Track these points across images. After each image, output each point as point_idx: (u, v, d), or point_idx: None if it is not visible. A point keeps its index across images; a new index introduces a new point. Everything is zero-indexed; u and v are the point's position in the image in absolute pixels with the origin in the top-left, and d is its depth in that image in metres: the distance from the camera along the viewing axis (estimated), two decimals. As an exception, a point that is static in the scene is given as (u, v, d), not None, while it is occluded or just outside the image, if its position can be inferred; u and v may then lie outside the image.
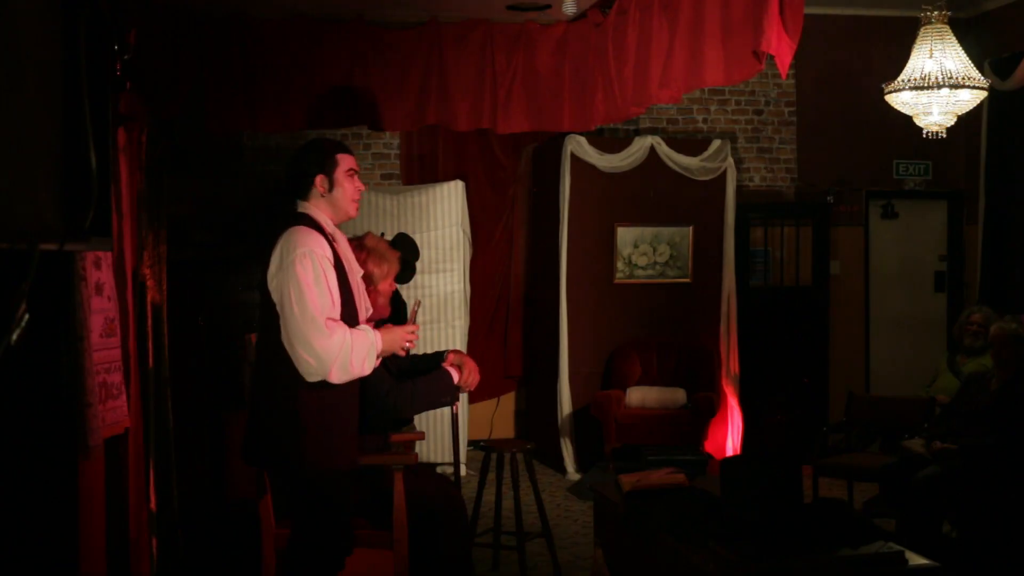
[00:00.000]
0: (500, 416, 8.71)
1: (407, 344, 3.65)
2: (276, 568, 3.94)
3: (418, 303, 4.08)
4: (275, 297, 3.41)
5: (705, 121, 8.78)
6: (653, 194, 7.95)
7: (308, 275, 3.35)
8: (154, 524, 4.40)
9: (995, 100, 7.81)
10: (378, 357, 3.55)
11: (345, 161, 3.59)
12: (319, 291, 3.36)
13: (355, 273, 3.61)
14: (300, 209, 3.55)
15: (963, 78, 5.49)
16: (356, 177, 3.62)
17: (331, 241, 3.51)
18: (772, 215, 8.59)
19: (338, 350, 3.35)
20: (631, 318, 7.98)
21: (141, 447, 4.30)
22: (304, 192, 3.56)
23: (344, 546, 3.61)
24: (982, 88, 5.58)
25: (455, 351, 4.12)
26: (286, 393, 3.43)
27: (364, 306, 3.66)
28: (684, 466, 5.70)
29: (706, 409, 7.34)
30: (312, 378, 3.38)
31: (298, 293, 3.34)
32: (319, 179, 3.54)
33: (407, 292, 6.85)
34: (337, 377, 3.39)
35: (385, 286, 4.07)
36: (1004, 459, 5.01)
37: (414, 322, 3.86)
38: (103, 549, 3.59)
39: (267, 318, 3.48)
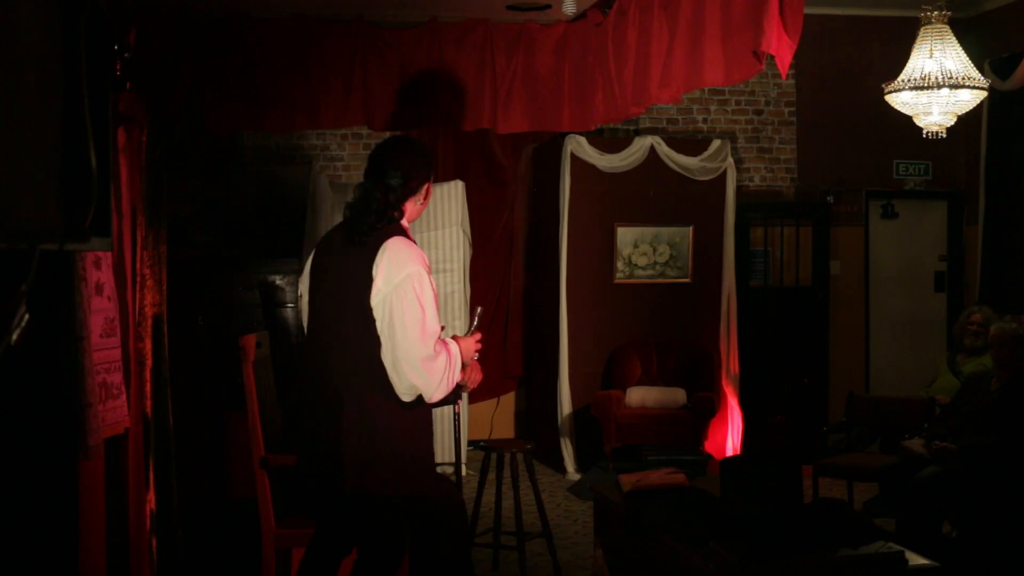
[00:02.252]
0: (500, 416, 8.71)
1: (475, 354, 3.58)
2: (276, 568, 3.94)
3: (480, 309, 3.90)
4: (378, 313, 3.26)
5: (705, 121, 8.78)
6: (653, 194, 7.95)
7: (424, 296, 3.26)
8: (154, 524, 4.40)
9: (995, 100, 7.81)
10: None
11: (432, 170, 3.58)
12: (431, 312, 3.28)
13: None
14: (396, 215, 3.40)
15: (963, 78, 5.49)
16: None
17: None
18: (772, 215, 8.59)
19: (442, 372, 3.29)
20: (631, 318, 7.98)
21: (141, 447, 4.30)
22: (405, 198, 3.42)
23: (399, 563, 3.54)
24: (982, 88, 5.58)
25: None
26: (376, 418, 3.28)
27: None
28: (684, 466, 5.71)
29: (706, 409, 7.34)
30: (409, 398, 3.30)
31: (413, 315, 3.23)
32: (426, 187, 3.49)
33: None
34: (437, 396, 3.34)
35: None
36: (1004, 459, 5.01)
37: (477, 329, 3.70)
38: (103, 549, 3.59)
39: (355, 331, 3.29)
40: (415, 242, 3.43)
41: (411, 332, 3.23)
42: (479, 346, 3.60)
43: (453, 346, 3.40)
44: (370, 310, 3.26)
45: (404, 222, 3.43)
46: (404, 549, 3.53)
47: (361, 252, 3.30)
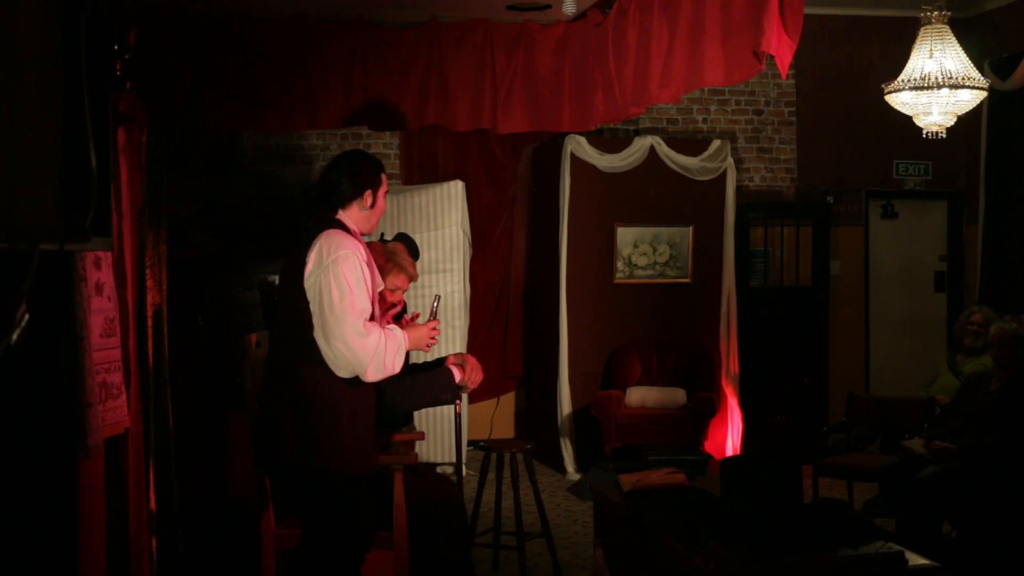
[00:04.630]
0: (500, 416, 8.70)
1: (431, 341, 3.73)
2: (276, 568, 3.94)
3: (437, 298, 4.11)
4: (311, 295, 3.44)
5: (705, 121, 8.78)
6: (653, 194, 7.95)
7: (351, 276, 3.42)
8: (154, 524, 4.40)
9: (995, 100, 7.80)
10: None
11: (385, 183, 3.73)
12: (359, 293, 3.43)
13: (376, 279, 3.67)
14: (337, 216, 3.62)
15: (963, 78, 5.48)
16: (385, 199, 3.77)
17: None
18: (772, 215, 8.59)
19: (374, 350, 3.41)
20: (631, 318, 7.98)
21: (141, 447, 4.29)
22: (346, 201, 3.63)
23: (363, 550, 3.61)
24: (982, 88, 5.58)
25: (455, 354, 4.14)
26: (314, 394, 3.45)
27: (379, 311, 3.72)
28: (684, 466, 5.70)
29: (706, 409, 7.34)
30: (344, 374, 3.44)
31: (340, 292, 3.40)
32: (367, 193, 3.64)
33: (411, 291, 6.85)
34: (372, 376, 3.46)
35: (399, 296, 4.18)
36: (1004, 459, 5.01)
37: (434, 317, 3.91)
38: (103, 549, 3.59)
39: (293, 317, 3.49)
40: (362, 244, 3.59)
41: (338, 309, 3.40)
42: (435, 333, 3.76)
43: (397, 332, 3.54)
44: (304, 292, 3.45)
45: (351, 225, 3.61)
46: (365, 544, 3.59)
47: (300, 246, 3.52)
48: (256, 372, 4.08)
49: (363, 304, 3.44)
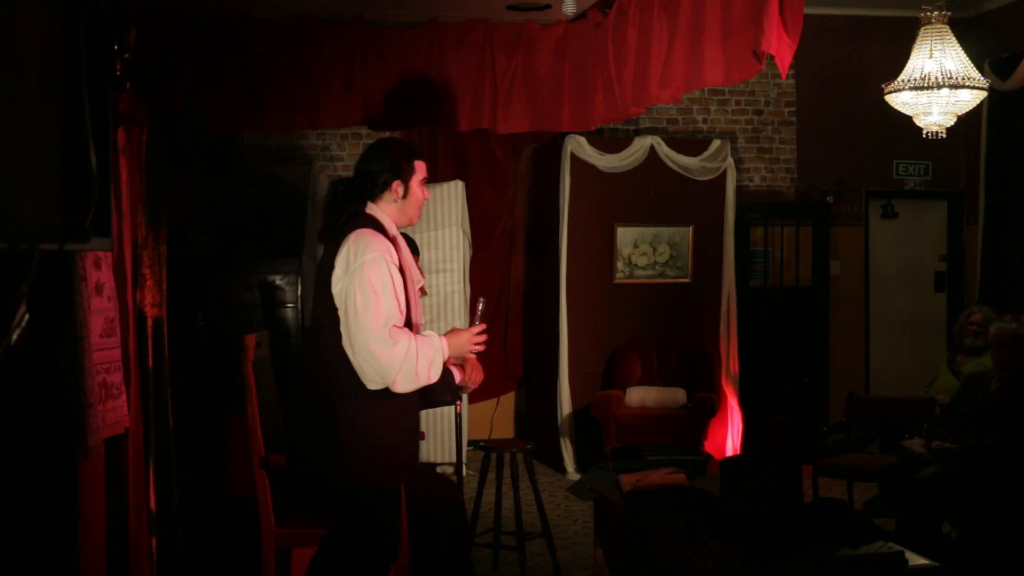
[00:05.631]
0: (500, 416, 8.71)
1: (475, 347, 3.54)
2: (276, 568, 3.94)
3: (482, 301, 3.84)
4: (338, 301, 3.28)
5: (705, 121, 8.78)
6: (653, 194, 7.95)
7: (377, 281, 3.24)
8: (154, 524, 4.39)
9: (995, 100, 7.81)
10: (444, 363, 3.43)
11: (421, 169, 3.53)
12: (387, 299, 3.25)
13: (412, 279, 3.49)
14: (367, 211, 3.44)
15: (963, 78, 5.49)
16: (425, 185, 3.55)
17: (395, 245, 3.42)
18: (772, 215, 8.59)
19: (401, 360, 3.23)
20: (631, 318, 7.98)
21: (141, 447, 4.29)
22: (375, 194, 3.44)
23: (389, 560, 3.49)
24: (982, 88, 5.58)
25: None
26: (343, 403, 3.29)
27: (418, 311, 3.54)
28: (684, 466, 5.70)
29: (706, 409, 7.34)
30: (373, 386, 3.27)
31: (364, 300, 3.22)
32: (396, 184, 3.44)
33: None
34: (402, 386, 3.27)
35: None
36: (1004, 459, 5.01)
37: (480, 321, 3.66)
38: (103, 549, 3.59)
39: (324, 320, 3.33)
40: (394, 239, 3.42)
41: (362, 318, 3.22)
42: (482, 338, 3.55)
43: (434, 339, 3.36)
44: (332, 298, 3.30)
45: (385, 220, 3.43)
46: (393, 552, 3.51)
47: (332, 247, 3.36)
48: (258, 373, 4.08)
49: (389, 311, 3.24)
